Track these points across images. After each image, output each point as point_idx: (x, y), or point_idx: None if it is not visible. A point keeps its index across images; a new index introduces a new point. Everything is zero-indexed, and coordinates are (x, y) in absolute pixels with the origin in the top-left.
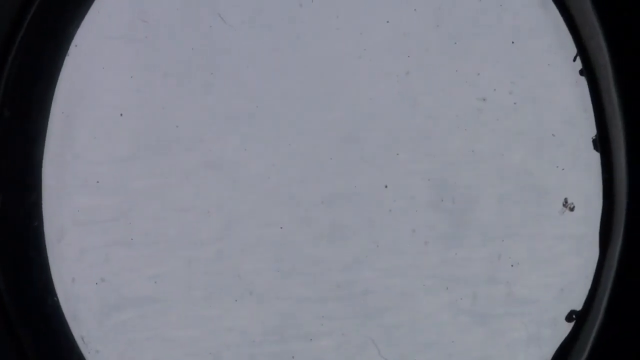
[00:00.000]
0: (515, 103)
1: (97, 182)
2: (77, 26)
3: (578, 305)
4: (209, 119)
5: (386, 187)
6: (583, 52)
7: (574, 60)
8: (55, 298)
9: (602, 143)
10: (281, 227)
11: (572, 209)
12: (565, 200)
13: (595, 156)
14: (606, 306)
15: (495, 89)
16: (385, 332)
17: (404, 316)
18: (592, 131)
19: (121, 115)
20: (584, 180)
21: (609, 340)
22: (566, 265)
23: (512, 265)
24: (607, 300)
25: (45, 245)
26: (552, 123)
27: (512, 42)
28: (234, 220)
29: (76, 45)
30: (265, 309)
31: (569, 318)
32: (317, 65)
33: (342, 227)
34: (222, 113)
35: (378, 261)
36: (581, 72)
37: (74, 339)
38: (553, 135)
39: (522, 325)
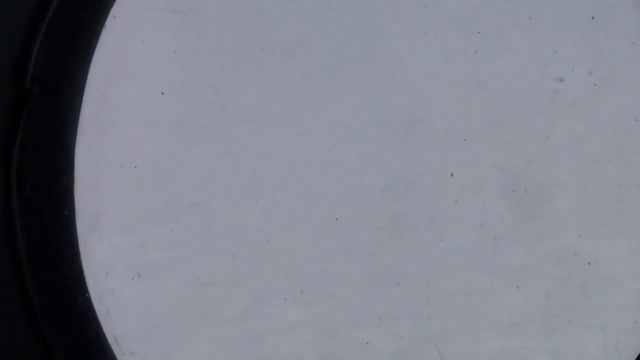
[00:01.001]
0: (595, 84)
1: (135, 167)
2: None
3: None
4: (259, 97)
5: (452, 175)
6: None
7: None
8: (87, 295)
9: None
10: (335, 216)
11: None
12: None
13: None
14: None
15: (573, 69)
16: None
17: (470, 316)
18: None
19: (162, 94)
20: None
21: None
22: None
23: (589, 264)
24: None
25: (76, 237)
26: (634, 106)
27: (592, 18)
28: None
29: (114, 17)
30: None
31: None
32: (379, 42)
33: (405, 217)
34: (273, 91)
35: (443, 256)
36: None
37: (106, 339)
38: (637, 120)
39: (600, 330)
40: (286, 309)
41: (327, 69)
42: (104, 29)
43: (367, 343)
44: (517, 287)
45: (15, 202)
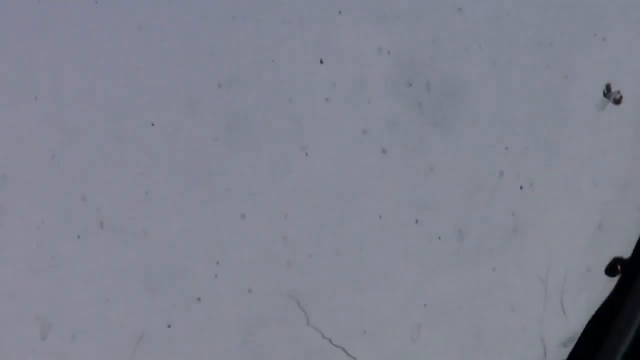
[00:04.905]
0: None
1: None
2: None
3: (625, 252)
4: None
5: (321, 62)
6: None
7: None
8: None
9: None
10: None
11: (617, 101)
12: (608, 87)
13: None
14: None
15: None
16: None
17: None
18: None
19: None
20: (636, 57)
21: None
22: (605, 187)
23: (520, 188)
24: None
25: None
26: None
27: None
28: None
29: None
30: None
31: (611, 270)
32: None
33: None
34: None
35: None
36: None
37: None
38: None
39: (539, 282)
40: None
41: None
42: None
43: None
44: (417, 222)
45: None
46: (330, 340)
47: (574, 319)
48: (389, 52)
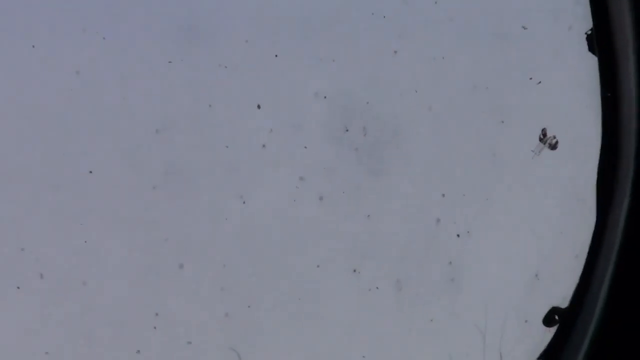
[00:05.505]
0: None
1: None
2: None
3: (562, 301)
4: None
5: (259, 107)
6: None
7: None
8: None
9: (601, 39)
10: None
11: (553, 146)
12: (544, 132)
13: (592, 61)
14: (605, 301)
15: None
16: None
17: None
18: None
19: None
20: (571, 101)
21: (608, 350)
22: (542, 235)
23: (458, 236)
24: (606, 292)
25: None
26: None
27: None
28: None
29: None
30: None
31: (548, 320)
32: None
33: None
34: None
35: (245, 228)
36: None
37: None
38: (524, 28)
39: (477, 333)
40: None
41: None
42: None
43: None
44: (355, 271)
45: None
46: None
47: None
48: (325, 96)
